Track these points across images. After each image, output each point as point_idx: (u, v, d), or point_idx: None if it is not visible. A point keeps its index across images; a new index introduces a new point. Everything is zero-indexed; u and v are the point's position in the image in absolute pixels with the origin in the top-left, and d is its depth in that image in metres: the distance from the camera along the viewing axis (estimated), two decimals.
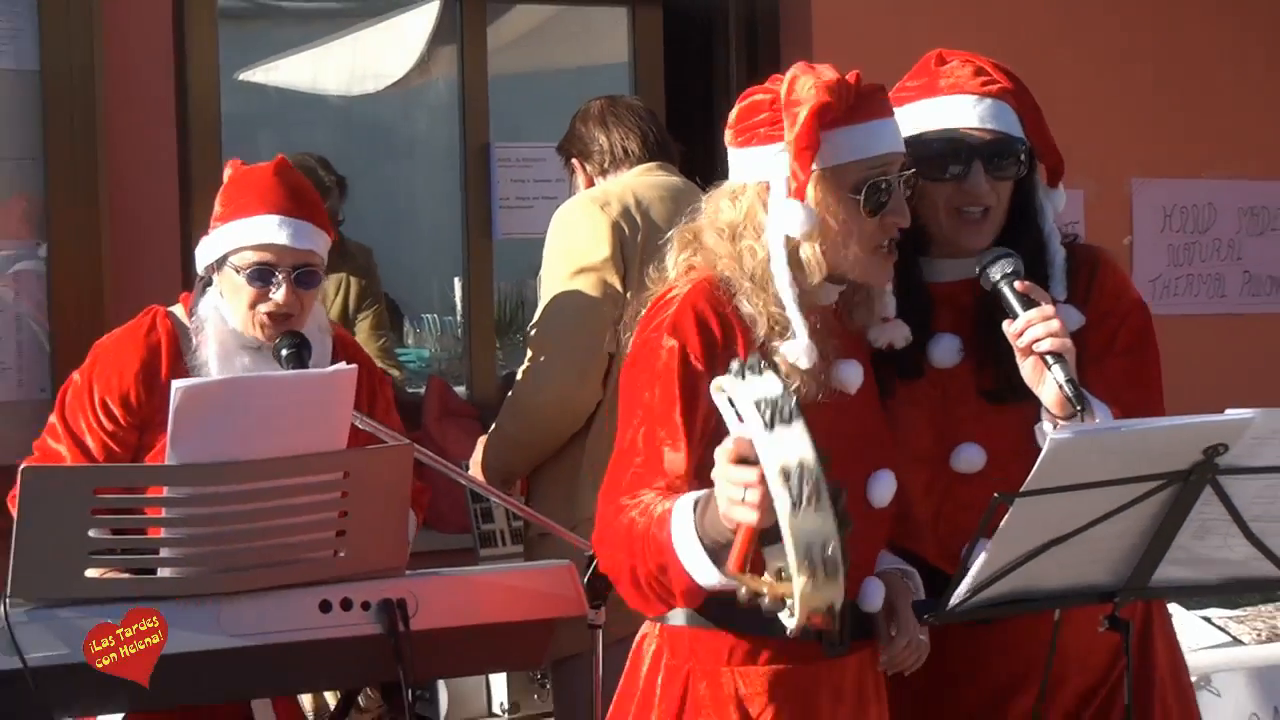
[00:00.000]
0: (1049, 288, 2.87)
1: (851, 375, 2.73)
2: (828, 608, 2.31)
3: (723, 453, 2.33)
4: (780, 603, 2.39)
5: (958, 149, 2.88)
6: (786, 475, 2.23)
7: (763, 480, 2.26)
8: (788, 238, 2.66)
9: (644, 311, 2.77)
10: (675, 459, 2.59)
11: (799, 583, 2.26)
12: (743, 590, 2.37)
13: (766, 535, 2.30)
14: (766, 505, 2.25)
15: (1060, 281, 2.92)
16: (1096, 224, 5.70)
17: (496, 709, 4.40)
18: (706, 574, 2.43)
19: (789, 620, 2.37)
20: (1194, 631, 3.29)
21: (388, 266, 6.11)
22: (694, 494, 2.46)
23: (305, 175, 5.15)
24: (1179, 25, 6.13)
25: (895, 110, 2.87)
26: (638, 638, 2.83)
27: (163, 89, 4.69)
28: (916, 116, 2.91)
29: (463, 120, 5.50)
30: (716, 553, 2.40)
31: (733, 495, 2.29)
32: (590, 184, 4.21)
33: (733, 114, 2.78)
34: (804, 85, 2.63)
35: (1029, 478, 2.41)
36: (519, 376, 4.10)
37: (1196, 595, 3.63)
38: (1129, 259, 5.91)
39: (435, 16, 5.85)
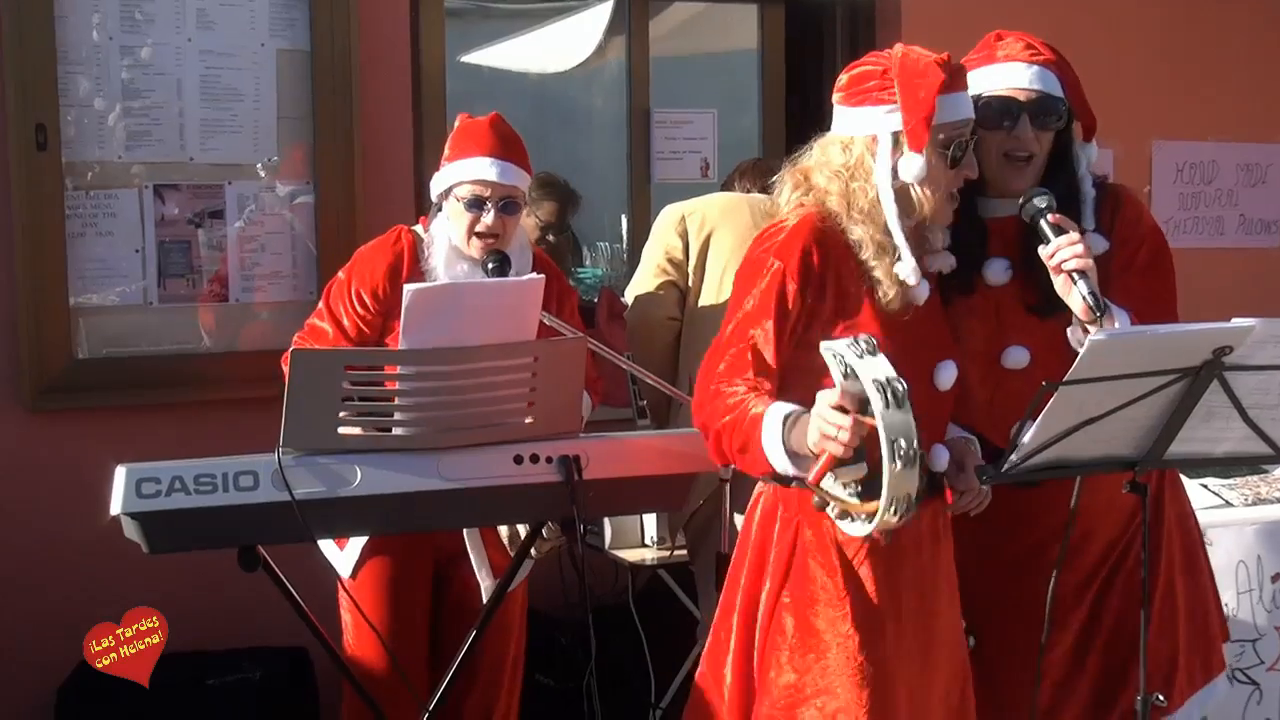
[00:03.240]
0: (1080, 219, 2.76)
1: (922, 291, 2.64)
2: (906, 495, 2.27)
3: (826, 398, 2.31)
4: (845, 514, 2.45)
5: (1009, 105, 2.76)
6: (879, 386, 2.22)
7: (853, 426, 2.26)
8: (899, 181, 2.56)
9: (757, 235, 2.69)
10: (765, 355, 2.54)
11: (888, 469, 2.24)
12: (816, 499, 2.43)
13: (843, 462, 2.32)
14: (850, 443, 2.27)
15: (1089, 214, 2.80)
16: (1123, 177, 5.34)
17: (647, 541, 4.38)
18: (782, 465, 2.42)
19: (851, 527, 2.41)
20: (1194, 496, 3.18)
21: None
22: (784, 407, 2.43)
23: (557, 187, 5.15)
24: (1195, 19, 5.88)
25: None
26: (756, 493, 2.75)
27: (402, 68, 4.65)
28: (977, 80, 2.78)
29: (629, 91, 5.40)
30: (792, 457, 2.41)
31: (827, 431, 2.29)
32: None
33: (842, 79, 2.66)
34: (921, 63, 2.54)
35: (1071, 370, 2.32)
36: None
37: (1200, 466, 3.51)
38: (1149, 204, 5.73)
39: (610, 12, 5.79)
